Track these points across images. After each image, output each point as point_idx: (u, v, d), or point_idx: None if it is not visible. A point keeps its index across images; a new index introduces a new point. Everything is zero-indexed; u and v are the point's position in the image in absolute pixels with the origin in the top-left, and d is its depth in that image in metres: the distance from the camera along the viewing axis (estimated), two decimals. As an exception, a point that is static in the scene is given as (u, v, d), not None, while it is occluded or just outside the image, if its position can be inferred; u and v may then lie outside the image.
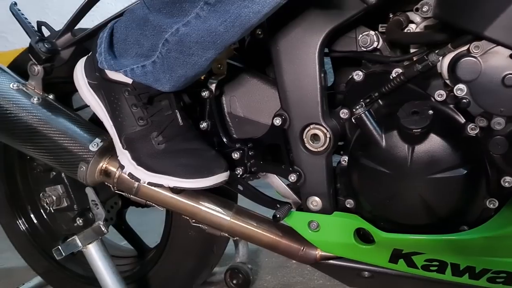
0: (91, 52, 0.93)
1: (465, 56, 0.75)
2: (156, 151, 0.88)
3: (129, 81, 0.87)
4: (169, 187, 0.89)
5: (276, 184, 1.01)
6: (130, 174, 0.91)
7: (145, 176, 0.89)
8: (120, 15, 0.92)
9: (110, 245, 1.42)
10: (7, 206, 1.37)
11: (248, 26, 0.74)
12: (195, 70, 0.81)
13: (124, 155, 0.91)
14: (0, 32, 2.69)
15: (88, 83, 0.93)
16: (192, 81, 0.86)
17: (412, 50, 0.87)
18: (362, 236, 0.92)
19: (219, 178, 0.88)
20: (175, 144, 0.89)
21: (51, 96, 1.07)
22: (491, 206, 0.80)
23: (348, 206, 0.92)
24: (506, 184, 0.77)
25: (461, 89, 0.76)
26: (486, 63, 0.74)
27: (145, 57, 0.84)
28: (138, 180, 0.90)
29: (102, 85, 0.90)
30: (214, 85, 0.95)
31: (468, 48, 0.75)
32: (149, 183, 0.89)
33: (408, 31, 0.87)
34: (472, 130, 0.78)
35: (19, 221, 1.36)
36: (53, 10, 2.62)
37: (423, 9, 0.81)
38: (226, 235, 1.05)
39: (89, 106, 0.97)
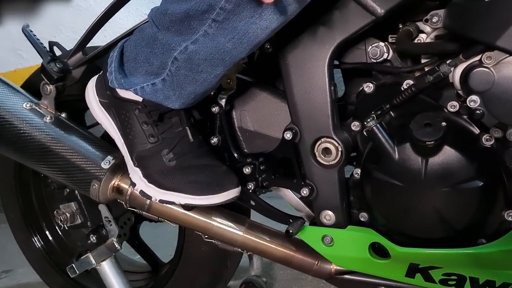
0: (102, 71, 0.94)
1: (478, 67, 0.74)
2: (167, 168, 0.88)
3: (139, 99, 0.87)
4: (181, 204, 0.89)
5: (288, 197, 1.00)
6: (141, 192, 0.91)
7: (156, 194, 0.89)
8: (129, 33, 0.93)
9: (124, 260, 1.42)
10: (22, 223, 1.38)
11: (256, 42, 0.74)
12: (205, 87, 0.81)
13: (135, 173, 0.91)
14: (15, 50, 2.74)
15: (99, 101, 0.93)
16: (201, 98, 0.86)
17: (423, 61, 0.86)
18: (378, 250, 0.90)
19: (231, 194, 0.87)
20: (186, 160, 0.89)
21: (63, 115, 1.08)
22: (510, 218, 0.78)
23: (362, 219, 0.91)
24: (524, 195, 0.76)
25: (474, 101, 0.74)
26: (499, 73, 0.72)
27: (155, 75, 0.84)
28: (149, 197, 0.90)
29: (113, 103, 0.91)
30: (224, 100, 0.95)
31: (480, 59, 0.73)
32: (161, 201, 0.89)
33: (419, 41, 0.86)
34: (487, 141, 0.77)
35: (35, 238, 1.37)
36: (66, 27, 2.66)
37: (433, 20, 0.80)
38: (239, 250, 1.04)
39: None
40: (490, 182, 0.77)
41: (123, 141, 0.91)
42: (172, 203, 0.89)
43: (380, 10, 0.79)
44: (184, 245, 1.19)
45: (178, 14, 0.76)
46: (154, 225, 1.29)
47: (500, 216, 0.79)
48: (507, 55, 0.71)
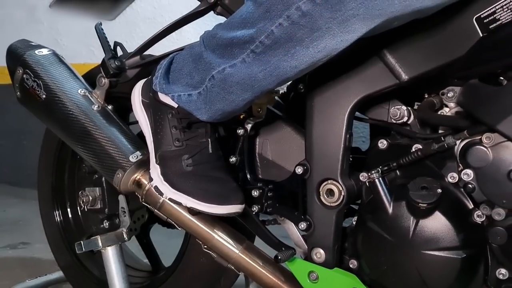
0: (150, 76, 1.05)
1: (477, 144, 0.79)
2: (183, 172, 0.97)
3: (175, 105, 0.97)
4: (187, 206, 0.97)
5: (291, 231, 1.05)
6: (155, 187, 0.99)
7: (168, 192, 0.97)
8: (182, 48, 1.05)
9: (131, 257, 1.49)
10: (50, 198, 1.49)
11: (284, 78, 0.83)
12: (232, 107, 0.90)
13: (155, 169, 1.00)
14: (88, 46, 2.97)
15: (142, 100, 1.04)
16: (228, 117, 0.95)
17: (440, 131, 0.91)
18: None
19: (233, 208, 0.95)
20: (202, 169, 0.97)
21: (110, 107, 1.19)
22: (486, 295, 0.81)
23: (351, 266, 0.95)
24: (501, 276, 0.78)
25: (467, 174, 0.79)
26: (495, 154, 0.77)
27: (193, 88, 0.94)
28: (161, 193, 0.98)
29: (152, 104, 1.02)
30: (250, 125, 1.04)
31: (481, 138, 0.78)
32: (170, 199, 0.97)
33: (442, 113, 0.91)
34: (478, 217, 0.81)
35: (56, 212, 1.47)
36: (139, 35, 2.87)
37: (448, 95, 0.86)
38: (233, 267, 1.09)
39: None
40: (473, 256, 0.80)
41: (152, 139, 1.01)
42: (180, 204, 0.97)
43: (404, 76, 0.85)
44: (185, 253, 1.25)
45: (224, 39, 0.86)
46: (169, 235, 1.35)
47: (477, 292, 0.82)
48: (505, 140, 0.76)
